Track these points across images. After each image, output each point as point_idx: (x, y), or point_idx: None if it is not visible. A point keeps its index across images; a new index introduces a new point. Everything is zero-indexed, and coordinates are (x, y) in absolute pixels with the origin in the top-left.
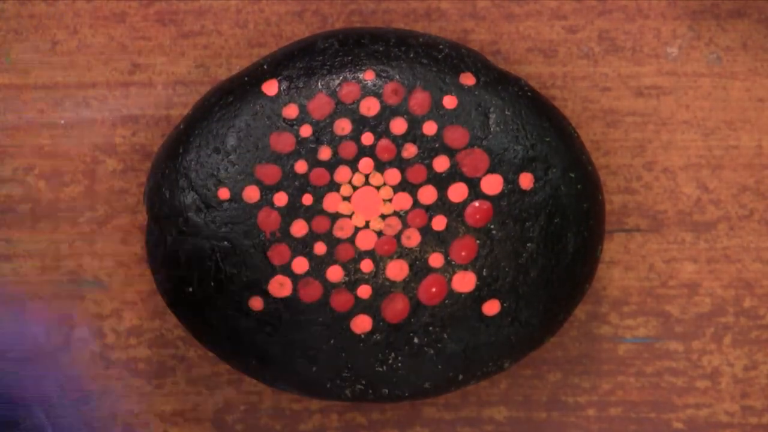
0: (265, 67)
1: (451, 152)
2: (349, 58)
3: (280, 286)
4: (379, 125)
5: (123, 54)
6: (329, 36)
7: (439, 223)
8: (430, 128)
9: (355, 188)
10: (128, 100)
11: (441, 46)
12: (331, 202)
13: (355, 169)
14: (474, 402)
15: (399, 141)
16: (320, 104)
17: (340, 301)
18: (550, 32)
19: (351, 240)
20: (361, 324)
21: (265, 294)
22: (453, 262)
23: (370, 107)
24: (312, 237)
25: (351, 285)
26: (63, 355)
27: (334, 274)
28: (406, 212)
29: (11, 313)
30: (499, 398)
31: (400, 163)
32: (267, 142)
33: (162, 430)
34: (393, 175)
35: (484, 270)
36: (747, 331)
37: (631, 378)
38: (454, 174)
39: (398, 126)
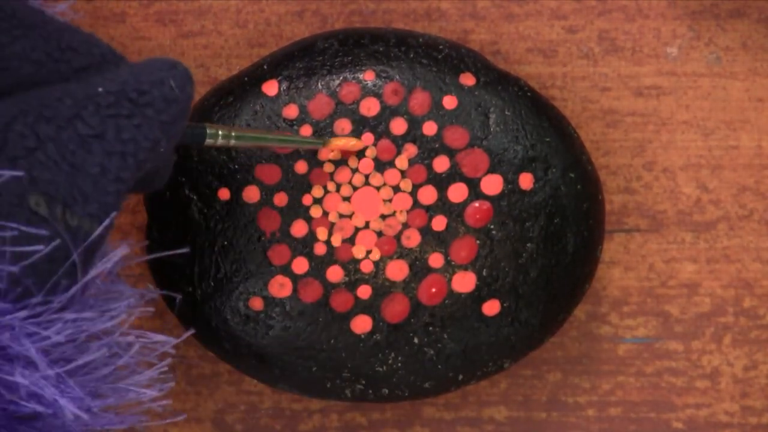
0: (265, 67)
1: (451, 152)
2: (349, 58)
3: (280, 287)
4: (379, 125)
5: (123, 54)
6: (329, 36)
7: (439, 223)
8: (430, 128)
9: (355, 188)
10: None
11: (441, 47)
12: (331, 203)
13: (355, 170)
14: (474, 402)
15: (399, 141)
16: (320, 104)
17: (340, 301)
18: (550, 32)
19: (351, 240)
20: (361, 324)
21: (265, 294)
22: (453, 263)
23: (370, 107)
24: (312, 237)
25: (351, 285)
26: None
27: (334, 274)
28: (406, 212)
29: None
30: (499, 398)
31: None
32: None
33: (162, 430)
34: (393, 176)
35: (484, 270)
36: (747, 331)
37: (631, 378)
38: (454, 174)
39: (398, 126)
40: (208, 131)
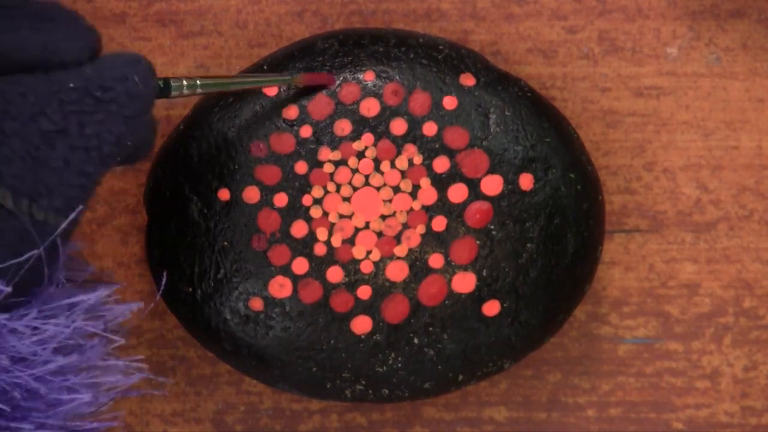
0: (265, 67)
1: (451, 153)
2: (349, 58)
3: (280, 287)
4: (379, 126)
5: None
6: (329, 37)
7: (439, 223)
8: (430, 129)
9: (355, 189)
10: None
11: (441, 47)
12: (331, 203)
13: (355, 170)
14: (474, 402)
15: (399, 142)
16: (320, 105)
17: (340, 301)
18: (550, 33)
19: (351, 241)
20: (361, 325)
21: (265, 294)
22: (453, 263)
23: (370, 108)
24: (312, 238)
25: (351, 286)
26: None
27: (334, 274)
28: (407, 213)
29: None
30: (499, 398)
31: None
32: (267, 142)
33: (162, 430)
34: (393, 176)
35: (484, 270)
36: (747, 331)
37: (631, 378)
38: (454, 175)
39: (398, 127)
40: (172, 83)
